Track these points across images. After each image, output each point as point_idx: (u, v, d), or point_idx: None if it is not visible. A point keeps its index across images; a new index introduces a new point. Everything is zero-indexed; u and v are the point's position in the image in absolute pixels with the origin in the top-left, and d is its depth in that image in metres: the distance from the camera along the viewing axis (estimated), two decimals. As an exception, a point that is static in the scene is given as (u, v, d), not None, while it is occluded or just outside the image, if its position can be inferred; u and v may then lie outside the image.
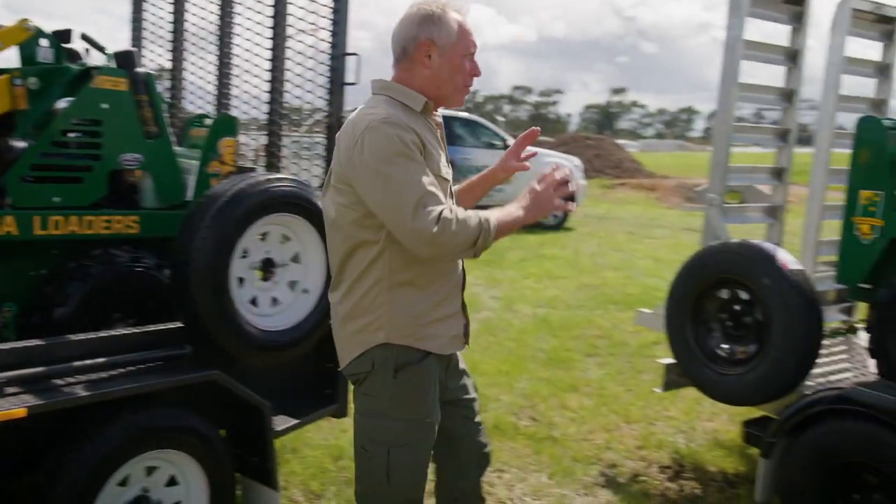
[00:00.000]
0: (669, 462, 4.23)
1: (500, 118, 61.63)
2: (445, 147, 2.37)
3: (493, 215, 2.18)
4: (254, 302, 3.23)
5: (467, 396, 2.51)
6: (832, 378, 3.72)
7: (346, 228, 2.24)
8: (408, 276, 2.23)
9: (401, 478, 2.29)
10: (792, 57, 4.23)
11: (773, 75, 4.33)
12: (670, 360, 4.06)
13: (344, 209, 2.22)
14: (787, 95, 4.28)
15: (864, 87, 4.70)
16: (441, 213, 2.07)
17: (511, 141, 13.07)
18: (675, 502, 3.80)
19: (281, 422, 3.35)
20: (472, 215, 2.14)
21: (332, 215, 2.28)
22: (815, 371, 3.64)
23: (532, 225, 13.04)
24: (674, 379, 4.09)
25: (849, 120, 4.38)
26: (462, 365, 2.51)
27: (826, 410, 3.09)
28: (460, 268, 2.39)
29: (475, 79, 2.33)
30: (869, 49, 4.66)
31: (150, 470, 2.75)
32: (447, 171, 2.31)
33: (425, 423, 2.32)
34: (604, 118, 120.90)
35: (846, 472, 3.09)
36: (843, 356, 4.17)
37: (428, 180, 2.11)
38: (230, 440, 3.06)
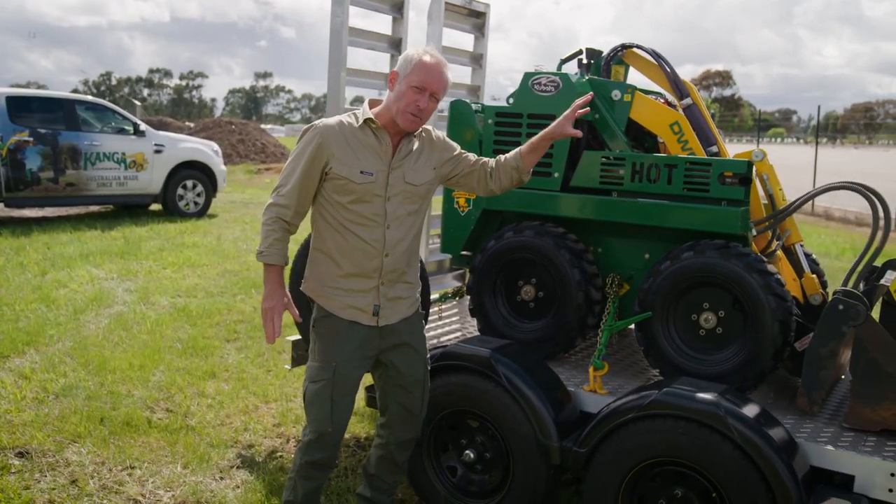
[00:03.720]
0: (305, 435, 4.36)
1: (137, 102, 58.13)
2: (390, 157, 2.83)
3: (276, 253, 2.81)
4: None
5: (402, 365, 3.01)
6: (444, 339, 4.10)
7: None
8: (323, 246, 2.90)
9: (314, 409, 2.88)
10: (396, 45, 4.51)
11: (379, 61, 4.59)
12: (297, 337, 4.19)
13: None
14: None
15: (462, 75, 5.19)
16: (273, 204, 2.82)
17: (144, 126, 12.47)
18: (309, 472, 3.93)
19: None
20: (272, 233, 2.81)
21: None
22: (430, 333, 3.98)
23: (171, 212, 12.59)
24: (302, 354, 4.23)
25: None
26: (417, 346, 3.04)
27: (436, 367, 3.39)
28: (380, 259, 2.85)
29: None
30: (464, 39, 5.15)
31: None
32: (363, 177, 2.78)
33: (331, 367, 2.86)
34: (250, 102, 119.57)
35: (455, 421, 3.45)
36: (455, 318, 4.61)
37: (298, 181, 2.80)
38: None
